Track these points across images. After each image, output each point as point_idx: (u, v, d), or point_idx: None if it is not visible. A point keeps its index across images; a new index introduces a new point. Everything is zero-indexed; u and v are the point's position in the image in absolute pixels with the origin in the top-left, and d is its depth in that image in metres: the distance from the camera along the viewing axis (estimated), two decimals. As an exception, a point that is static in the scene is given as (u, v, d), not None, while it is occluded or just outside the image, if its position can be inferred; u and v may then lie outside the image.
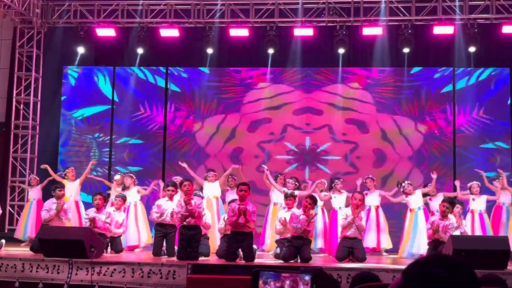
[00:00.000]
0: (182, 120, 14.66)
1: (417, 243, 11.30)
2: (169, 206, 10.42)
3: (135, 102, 14.71)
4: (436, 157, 13.96)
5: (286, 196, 10.59)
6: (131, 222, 11.84)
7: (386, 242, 11.87)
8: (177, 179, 11.49)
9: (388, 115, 14.18)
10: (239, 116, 14.51)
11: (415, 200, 11.58)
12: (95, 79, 14.87)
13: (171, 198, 10.53)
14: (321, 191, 11.85)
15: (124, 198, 11.37)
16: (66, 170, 12.67)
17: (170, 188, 10.71)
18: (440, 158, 13.96)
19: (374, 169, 13.83)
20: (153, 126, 14.71)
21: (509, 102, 13.90)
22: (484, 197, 11.87)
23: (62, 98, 14.84)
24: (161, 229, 10.39)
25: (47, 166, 12.94)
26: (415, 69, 14.17)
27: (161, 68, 14.71)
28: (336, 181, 11.95)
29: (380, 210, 11.99)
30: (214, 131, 14.58)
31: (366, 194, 11.89)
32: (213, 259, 10.11)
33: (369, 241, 11.68)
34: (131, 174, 12.40)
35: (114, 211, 11.07)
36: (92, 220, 10.54)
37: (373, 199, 11.97)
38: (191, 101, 14.61)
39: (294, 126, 14.34)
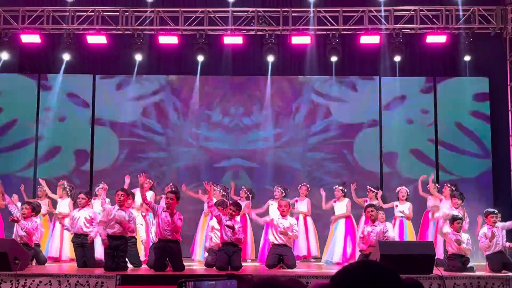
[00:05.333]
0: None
1: (330, 251, 11.45)
2: (81, 215, 10.20)
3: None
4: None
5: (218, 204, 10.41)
6: (56, 233, 11.51)
7: (315, 250, 11.93)
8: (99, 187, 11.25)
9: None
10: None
11: (339, 207, 11.69)
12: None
13: (82, 206, 10.30)
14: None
15: (33, 207, 10.41)
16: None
17: (81, 196, 10.46)
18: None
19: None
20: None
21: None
22: (408, 204, 11.85)
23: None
24: (76, 240, 10.18)
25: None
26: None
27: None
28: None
29: (309, 218, 12.04)
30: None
31: (296, 201, 12.00)
32: (142, 269, 9.97)
33: (300, 249, 11.72)
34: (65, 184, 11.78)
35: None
36: (16, 220, 10.12)
37: (302, 207, 11.99)
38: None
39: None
